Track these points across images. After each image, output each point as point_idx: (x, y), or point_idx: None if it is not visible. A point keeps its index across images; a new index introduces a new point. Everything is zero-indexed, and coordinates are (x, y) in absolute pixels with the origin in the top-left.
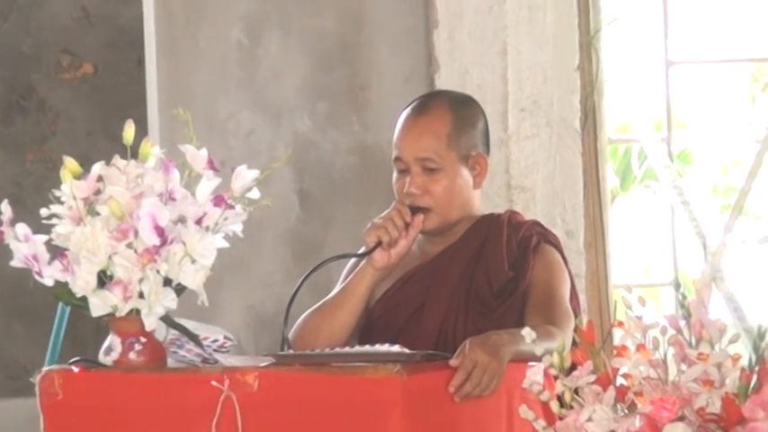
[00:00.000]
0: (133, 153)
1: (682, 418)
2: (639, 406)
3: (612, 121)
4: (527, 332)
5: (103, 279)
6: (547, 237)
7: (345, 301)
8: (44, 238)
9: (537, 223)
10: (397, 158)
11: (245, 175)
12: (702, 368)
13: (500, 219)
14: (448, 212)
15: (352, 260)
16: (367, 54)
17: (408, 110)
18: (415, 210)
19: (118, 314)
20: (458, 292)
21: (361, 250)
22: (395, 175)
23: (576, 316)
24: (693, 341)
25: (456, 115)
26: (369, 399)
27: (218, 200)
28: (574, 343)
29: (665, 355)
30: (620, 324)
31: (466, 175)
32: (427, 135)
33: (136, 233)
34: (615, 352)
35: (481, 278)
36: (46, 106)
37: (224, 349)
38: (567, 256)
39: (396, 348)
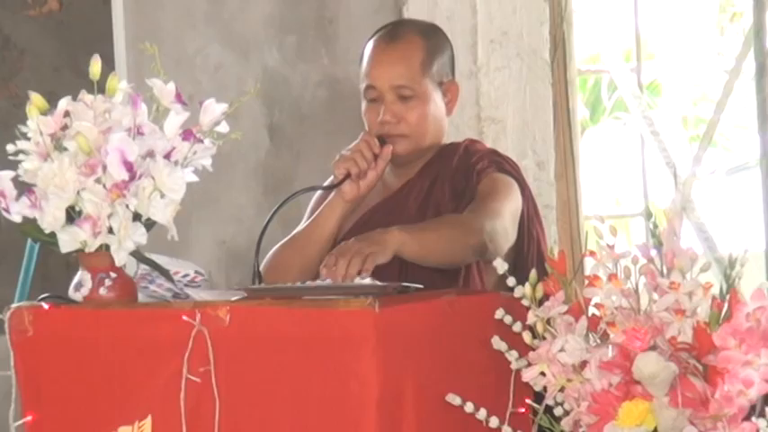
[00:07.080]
0: (100, 88)
1: (654, 348)
2: (612, 336)
3: (582, 52)
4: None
5: (72, 215)
6: (502, 165)
7: (315, 233)
8: (11, 174)
9: (494, 152)
10: (369, 87)
11: (213, 109)
12: (674, 297)
13: (456, 150)
14: (422, 139)
15: (318, 193)
16: None
17: (377, 38)
18: (383, 140)
19: (87, 250)
20: None
21: (328, 182)
22: (364, 104)
23: (539, 241)
24: (665, 270)
25: (427, 42)
26: (342, 332)
27: (186, 134)
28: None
29: (637, 285)
30: (592, 254)
31: (439, 101)
32: (401, 62)
33: (104, 168)
34: (587, 282)
35: (431, 212)
36: (11, 43)
37: (195, 284)
38: (537, 188)
39: (368, 281)
